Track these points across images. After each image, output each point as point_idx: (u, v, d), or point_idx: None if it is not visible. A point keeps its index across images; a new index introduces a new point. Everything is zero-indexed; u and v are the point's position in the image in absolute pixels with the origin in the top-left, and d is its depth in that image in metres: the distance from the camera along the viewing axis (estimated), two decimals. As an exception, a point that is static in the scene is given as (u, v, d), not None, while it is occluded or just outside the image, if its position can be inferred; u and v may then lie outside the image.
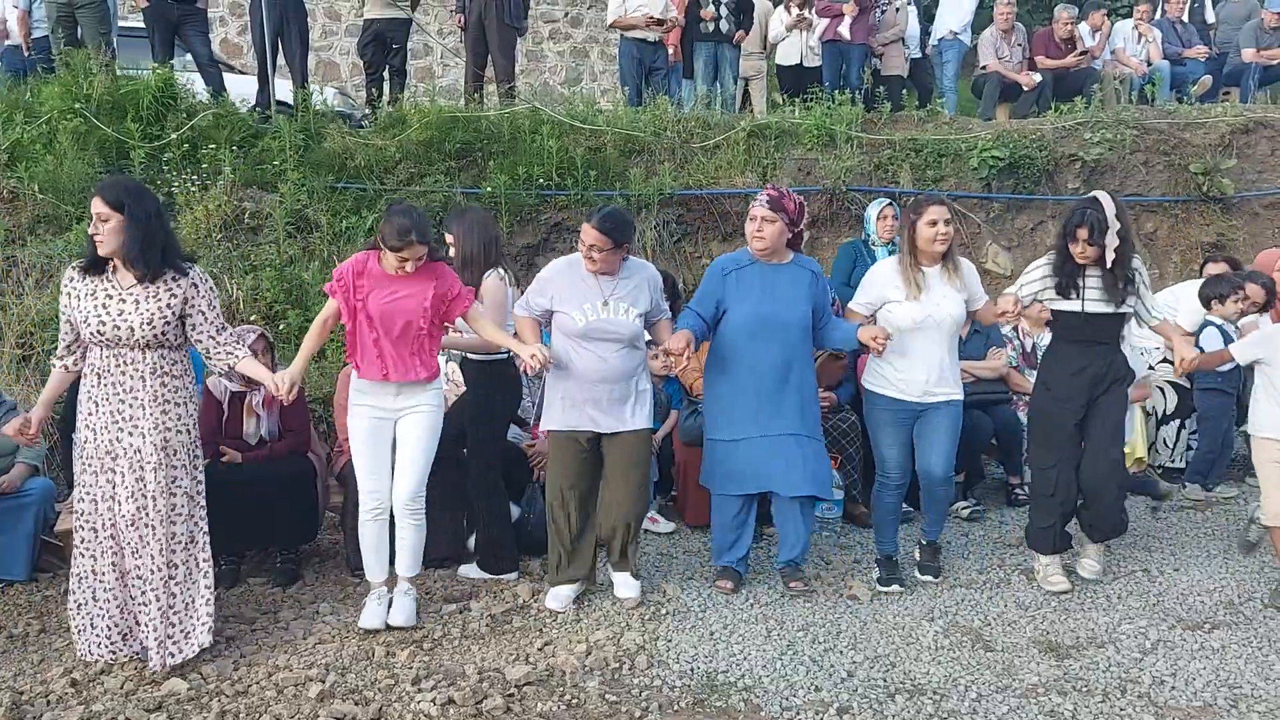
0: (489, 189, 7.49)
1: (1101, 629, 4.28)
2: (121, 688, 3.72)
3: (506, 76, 8.51)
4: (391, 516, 4.30)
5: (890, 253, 6.37)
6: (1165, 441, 6.30)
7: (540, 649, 4.06)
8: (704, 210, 7.98)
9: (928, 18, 10.26)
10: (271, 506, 4.75)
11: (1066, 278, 4.47)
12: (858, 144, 8.34)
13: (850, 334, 4.50)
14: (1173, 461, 6.31)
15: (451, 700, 3.61)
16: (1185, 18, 10.33)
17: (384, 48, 8.46)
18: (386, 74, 8.66)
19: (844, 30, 9.23)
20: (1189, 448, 6.24)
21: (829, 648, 4.08)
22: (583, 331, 4.31)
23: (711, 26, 9.15)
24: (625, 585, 4.53)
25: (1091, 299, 4.47)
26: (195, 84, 7.92)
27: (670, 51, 9.30)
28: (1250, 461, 5.03)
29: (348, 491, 4.97)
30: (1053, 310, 4.58)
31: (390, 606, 4.29)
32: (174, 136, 7.28)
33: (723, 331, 4.56)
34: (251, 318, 6.46)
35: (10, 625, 4.31)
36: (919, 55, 10.05)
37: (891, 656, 4.02)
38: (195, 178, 7.10)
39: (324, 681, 3.74)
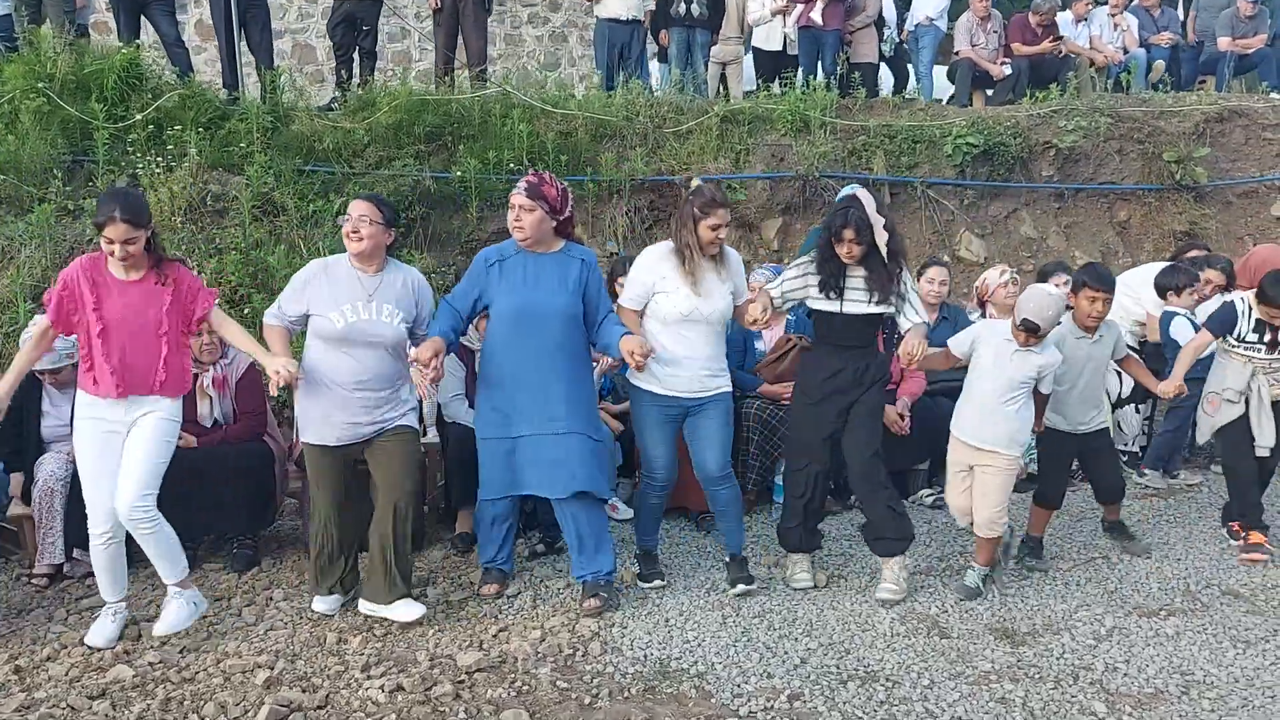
0: (459, 173, 7.43)
1: (1058, 616, 4.27)
2: (66, 674, 3.69)
3: (479, 59, 8.44)
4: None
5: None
6: (1120, 425, 6.29)
7: (494, 635, 4.03)
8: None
9: (904, 4, 10.20)
10: (227, 491, 4.70)
11: (829, 278, 4.32)
12: (832, 130, 8.31)
13: (613, 341, 4.23)
14: (1127, 445, 6.31)
15: (400, 687, 3.58)
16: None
17: (354, 29, 8.37)
18: (357, 55, 8.56)
19: (816, 16, 9.18)
20: (1142, 432, 6.25)
21: (784, 635, 4.07)
22: (341, 334, 4.04)
23: (684, 9, 9.10)
24: (401, 609, 4.12)
25: (851, 299, 4.33)
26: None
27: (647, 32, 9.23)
28: (1213, 451, 5.07)
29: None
30: (814, 311, 4.48)
31: (160, 615, 4.05)
32: (139, 117, 7.16)
33: (489, 325, 4.36)
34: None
35: (-42, 611, 4.27)
36: (897, 40, 10.02)
37: (846, 643, 4.01)
38: (160, 159, 6.99)
39: (273, 668, 3.72)
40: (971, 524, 4.54)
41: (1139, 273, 6.49)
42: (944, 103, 9.71)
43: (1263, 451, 4.93)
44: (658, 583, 4.54)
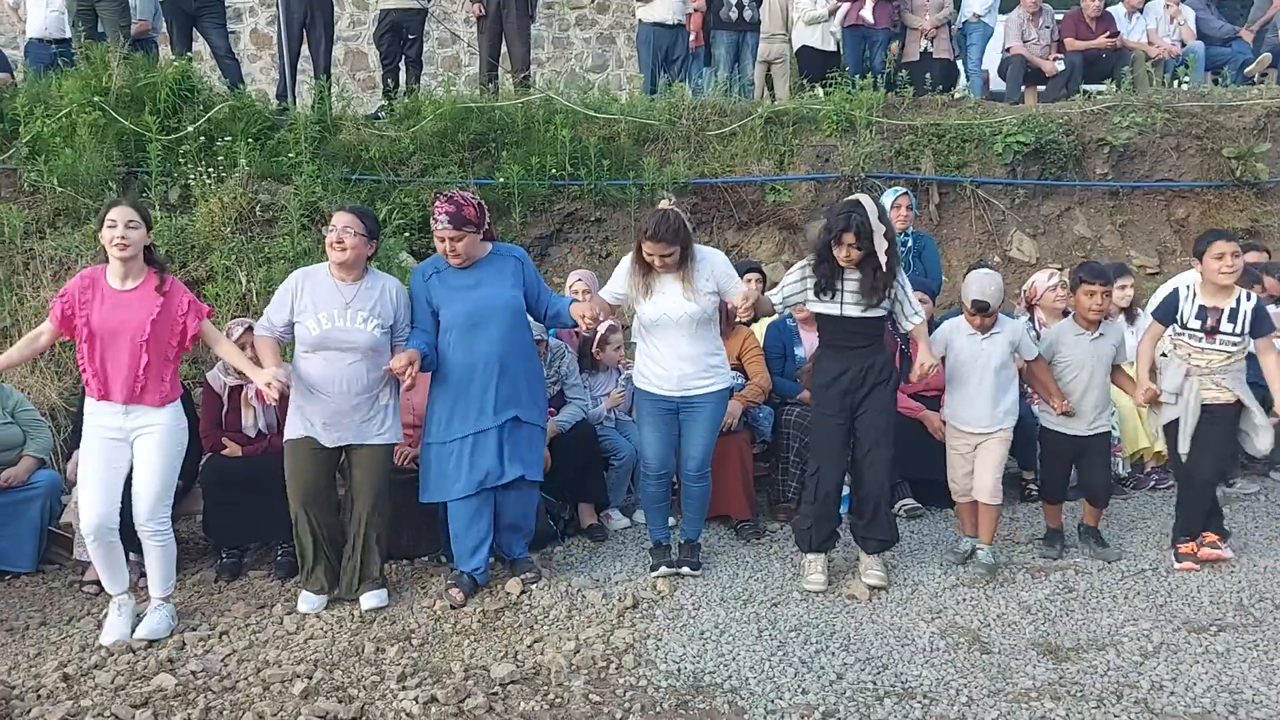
0: (502, 179, 7.48)
1: (1104, 630, 4.18)
2: (112, 682, 3.76)
3: (523, 65, 8.48)
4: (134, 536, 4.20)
5: (902, 243, 6.28)
6: None
7: (529, 646, 4.04)
8: (719, 199, 7.91)
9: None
10: (271, 499, 4.74)
11: (825, 279, 4.41)
12: (878, 129, 8.21)
13: (563, 309, 4.52)
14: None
15: (434, 699, 3.61)
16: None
17: (399, 38, 8.45)
18: (403, 64, 8.65)
19: (867, 14, 9.07)
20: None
21: (821, 649, 4.02)
22: (317, 340, 4.26)
23: (735, 15, 9.06)
24: (370, 598, 4.43)
25: (849, 302, 4.41)
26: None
27: (692, 37, 9.22)
28: (1272, 457, 4.94)
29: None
30: (815, 313, 4.58)
31: (140, 618, 4.20)
32: (191, 129, 7.33)
33: (440, 333, 4.48)
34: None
35: (11, 618, 4.39)
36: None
37: (884, 658, 3.95)
38: (211, 170, 7.14)
39: (310, 678, 3.76)
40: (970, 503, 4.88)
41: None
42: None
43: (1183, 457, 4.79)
44: (664, 570, 4.66)
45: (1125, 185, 8.49)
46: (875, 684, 3.76)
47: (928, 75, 8.90)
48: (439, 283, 4.47)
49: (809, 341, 5.61)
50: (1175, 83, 9.16)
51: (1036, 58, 9.29)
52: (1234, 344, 4.70)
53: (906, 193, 6.41)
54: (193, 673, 3.83)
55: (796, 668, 3.87)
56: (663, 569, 4.66)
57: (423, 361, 4.34)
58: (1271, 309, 5.64)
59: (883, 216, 4.33)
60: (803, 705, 3.61)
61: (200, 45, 8.63)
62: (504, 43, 8.62)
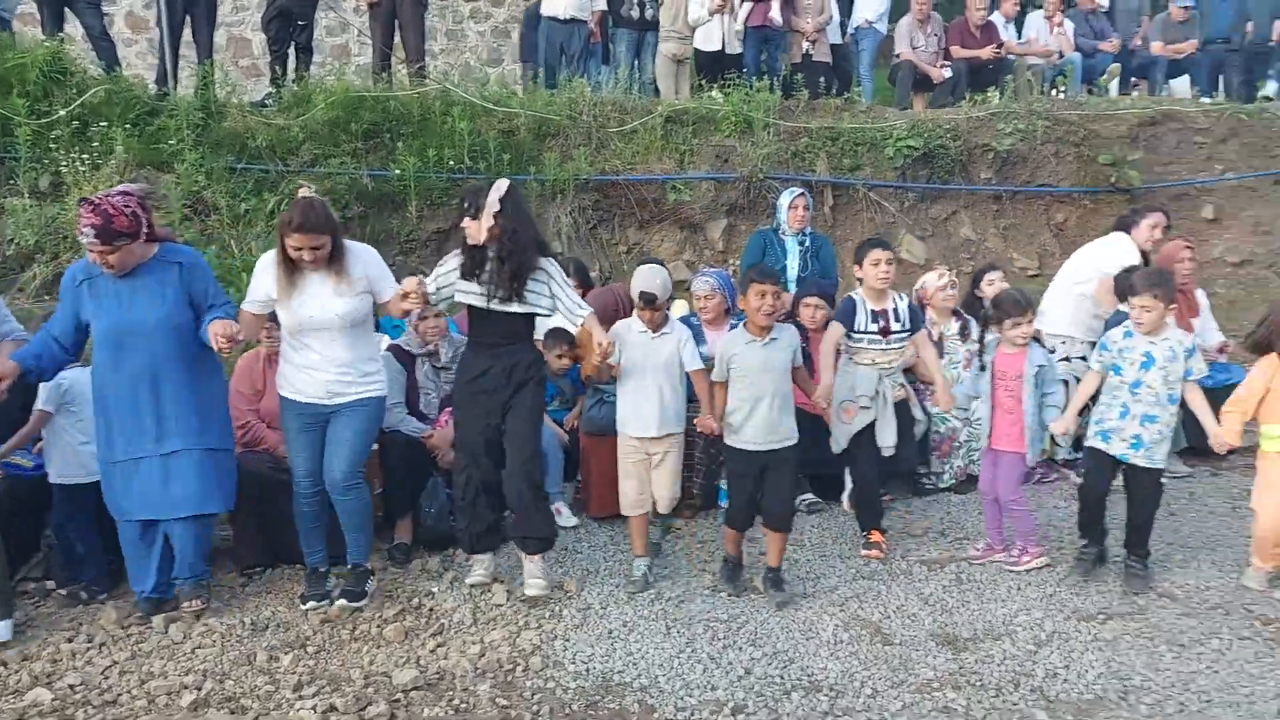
0: (398, 171, 7.32)
1: (999, 621, 4.28)
2: (-20, 699, 3.53)
3: (417, 55, 8.30)
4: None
5: (799, 243, 6.34)
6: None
7: (432, 651, 3.94)
8: (620, 196, 7.89)
9: (845, 6, 10.22)
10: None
11: (473, 265, 4.22)
12: (775, 131, 8.31)
13: (204, 331, 4.01)
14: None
15: (333, 708, 3.48)
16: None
17: (289, 24, 8.17)
18: (292, 51, 8.37)
19: (775, 15, 9.12)
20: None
21: (728, 644, 4.03)
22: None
23: (636, 13, 9.05)
24: None
25: (497, 295, 4.24)
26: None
27: (591, 33, 9.17)
28: (1206, 445, 4.75)
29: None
30: (467, 307, 4.39)
31: None
32: (63, 113, 6.95)
33: (93, 349, 4.11)
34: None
35: None
36: (838, 42, 10.02)
37: (790, 652, 3.98)
38: (85, 157, 6.79)
39: (199, 689, 3.59)
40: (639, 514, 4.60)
41: (1076, 265, 6.40)
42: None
43: (888, 451, 4.94)
44: (313, 604, 4.28)
45: (1008, 189, 8.79)
46: (782, 678, 3.78)
47: (821, 79, 9.04)
48: (89, 291, 4.03)
49: (712, 338, 5.59)
50: (1054, 91, 9.52)
51: (924, 64, 9.53)
52: (902, 341, 4.94)
53: (803, 193, 6.47)
54: (70, 686, 3.63)
55: (705, 664, 3.86)
56: (311, 603, 4.28)
57: (27, 375, 4.00)
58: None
59: (509, 207, 4.09)
60: (712, 701, 3.60)
61: (72, 27, 8.20)
62: (397, 32, 8.42)
